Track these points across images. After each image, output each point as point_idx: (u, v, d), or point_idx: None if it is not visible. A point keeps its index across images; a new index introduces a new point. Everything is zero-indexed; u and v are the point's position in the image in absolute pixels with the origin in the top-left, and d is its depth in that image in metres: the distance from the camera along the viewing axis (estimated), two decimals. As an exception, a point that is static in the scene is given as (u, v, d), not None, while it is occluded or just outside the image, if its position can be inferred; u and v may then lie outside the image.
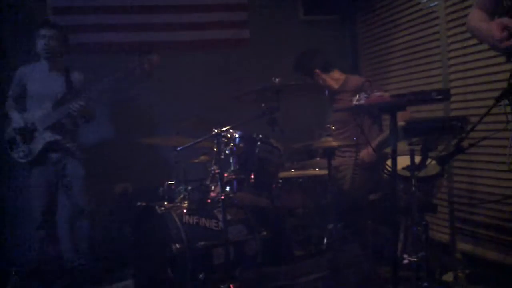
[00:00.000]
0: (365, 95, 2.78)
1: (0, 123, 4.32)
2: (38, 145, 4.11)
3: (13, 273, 4.19)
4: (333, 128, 3.80)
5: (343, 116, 4.18)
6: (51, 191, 4.26)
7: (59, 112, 4.10)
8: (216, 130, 3.36)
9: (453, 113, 4.17)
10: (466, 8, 4.02)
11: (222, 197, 3.26)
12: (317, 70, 4.33)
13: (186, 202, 3.63)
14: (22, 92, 4.22)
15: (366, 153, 3.97)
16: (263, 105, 3.53)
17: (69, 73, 4.25)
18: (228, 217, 3.47)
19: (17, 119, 4.15)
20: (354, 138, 3.99)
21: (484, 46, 3.82)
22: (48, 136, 4.12)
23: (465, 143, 2.80)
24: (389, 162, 3.03)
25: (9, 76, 4.29)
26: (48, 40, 4.14)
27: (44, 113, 4.11)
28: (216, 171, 3.33)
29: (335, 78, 4.37)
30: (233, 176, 3.42)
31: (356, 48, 5.79)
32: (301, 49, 4.61)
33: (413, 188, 3.04)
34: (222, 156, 3.39)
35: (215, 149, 3.37)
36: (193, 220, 3.49)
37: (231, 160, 3.49)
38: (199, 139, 3.63)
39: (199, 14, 5.32)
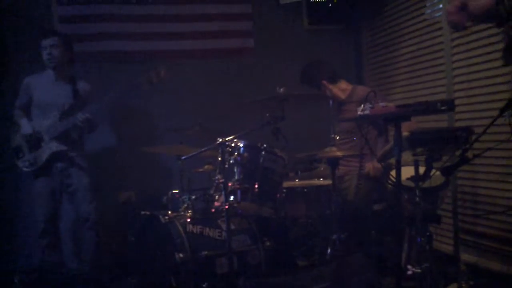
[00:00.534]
0: (370, 106, 2.78)
1: (4, 133, 4.34)
2: (44, 155, 4.12)
3: (16, 280, 4.19)
4: (338, 138, 3.79)
5: (349, 126, 4.17)
6: (54, 199, 4.26)
7: (66, 123, 4.10)
8: (220, 140, 3.36)
9: (458, 124, 4.16)
10: (470, 18, 4.02)
11: (226, 207, 3.26)
12: (324, 81, 4.32)
13: (190, 211, 3.63)
14: (28, 102, 4.24)
15: (372, 167, 3.97)
16: (267, 114, 3.53)
17: (76, 83, 4.26)
18: (232, 226, 3.47)
19: (25, 126, 4.16)
20: (358, 146, 3.99)
21: (489, 57, 3.84)
22: (55, 146, 4.12)
23: (469, 154, 2.80)
24: (393, 172, 3.02)
25: (16, 86, 4.31)
26: (50, 50, 4.15)
27: (51, 123, 4.12)
28: (220, 180, 3.33)
29: (342, 89, 4.36)
30: (237, 186, 3.43)
31: (361, 58, 5.79)
32: (306, 58, 4.61)
33: (417, 199, 3.04)
34: (226, 166, 3.40)
35: (219, 159, 3.38)
36: (196, 229, 3.49)
37: (235, 170, 3.49)
38: (204, 149, 3.63)
39: (204, 23, 5.34)
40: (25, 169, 4.18)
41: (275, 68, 5.27)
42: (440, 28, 4.39)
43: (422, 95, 4.60)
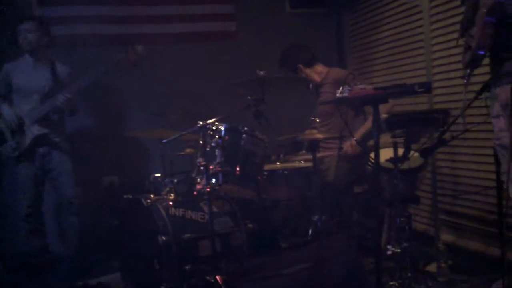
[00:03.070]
0: (349, 88, 2.81)
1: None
2: (26, 139, 4.11)
3: (0, 266, 4.19)
4: (318, 120, 3.83)
5: (327, 108, 4.22)
6: (37, 184, 4.25)
7: (47, 105, 4.09)
8: (201, 123, 3.37)
9: (436, 106, 4.21)
10: (449, 2, 4.05)
11: (208, 189, 3.27)
12: (300, 65, 4.37)
13: (172, 194, 3.64)
14: (8, 89, 4.20)
15: (349, 145, 4.02)
16: (248, 97, 3.54)
17: (55, 66, 4.23)
18: (214, 209, 3.48)
19: (8, 112, 4.14)
20: (337, 128, 4.03)
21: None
22: (36, 130, 4.11)
23: (447, 136, 2.85)
24: (373, 154, 3.07)
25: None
26: (26, 34, 4.12)
27: (32, 107, 4.10)
28: (202, 163, 3.33)
29: (318, 72, 4.43)
30: (219, 169, 3.43)
31: (342, 41, 5.81)
32: (287, 42, 4.62)
33: (396, 180, 3.08)
34: (208, 149, 3.40)
35: (201, 142, 3.39)
36: (179, 212, 3.50)
37: (216, 153, 3.50)
38: (185, 132, 3.64)
39: (186, 6, 5.30)
40: (9, 155, 4.16)
41: (257, 51, 5.27)
42: (420, 12, 4.42)
43: (402, 78, 4.64)
